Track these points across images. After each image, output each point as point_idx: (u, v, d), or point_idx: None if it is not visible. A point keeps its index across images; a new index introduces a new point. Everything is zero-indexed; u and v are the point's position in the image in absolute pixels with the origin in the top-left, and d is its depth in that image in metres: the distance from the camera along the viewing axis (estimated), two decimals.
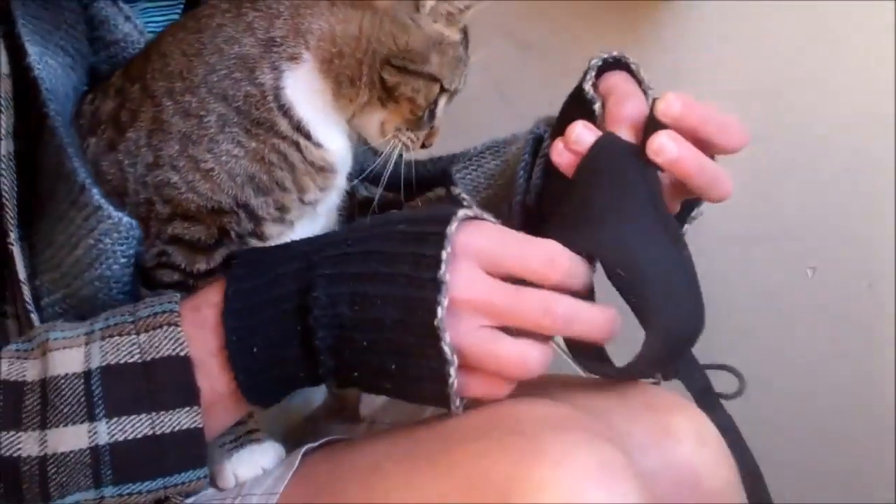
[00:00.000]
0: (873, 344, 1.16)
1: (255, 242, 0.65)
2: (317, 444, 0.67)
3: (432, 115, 0.67)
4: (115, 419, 0.55)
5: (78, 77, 0.66)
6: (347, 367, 0.57)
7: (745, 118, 1.15)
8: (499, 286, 0.56)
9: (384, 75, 0.64)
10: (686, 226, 0.71)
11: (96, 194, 0.60)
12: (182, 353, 0.56)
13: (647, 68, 1.21)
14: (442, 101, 0.68)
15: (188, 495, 0.62)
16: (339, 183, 0.68)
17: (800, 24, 1.09)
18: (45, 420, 0.55)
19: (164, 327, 0.57)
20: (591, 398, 0.66)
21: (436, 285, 0.53)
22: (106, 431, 0.55)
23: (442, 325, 0.53)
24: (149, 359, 0.56)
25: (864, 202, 1.13)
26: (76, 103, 0.66)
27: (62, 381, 0.56)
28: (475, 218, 0.58)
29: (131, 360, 0.56)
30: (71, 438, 0.55)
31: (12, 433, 0.55)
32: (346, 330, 0.56)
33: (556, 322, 0.56)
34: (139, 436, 0.55)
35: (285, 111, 0.63)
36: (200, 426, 0.56)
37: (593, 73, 0.67)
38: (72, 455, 0.55)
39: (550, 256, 0.57)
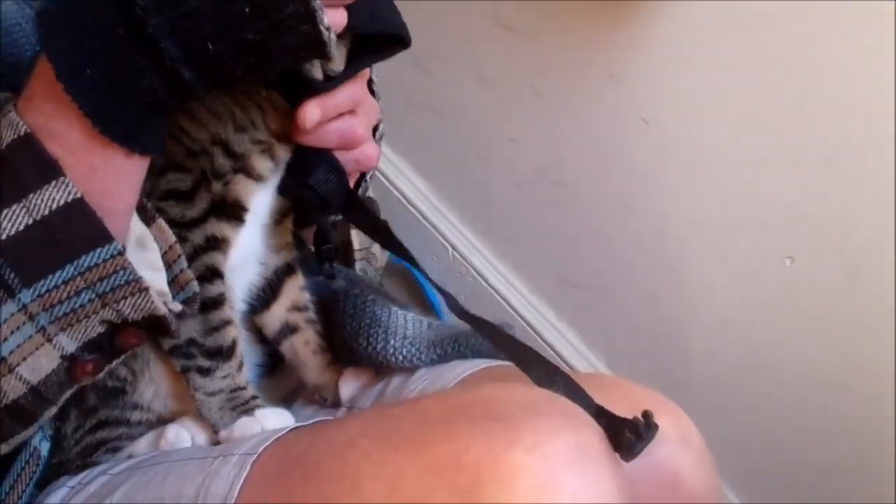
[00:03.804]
0: (851, 333, 1.17)
1: (243, 179, 0.69)
2: (308, 423, 0.67)
3: None
4: None
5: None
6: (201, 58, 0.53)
7: (726, 109, 1.16)
8: None
9: None
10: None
11: None
12: (22, 133, 0.53)
13: (634, 57, 1.22)
14: None
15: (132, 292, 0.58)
16: None
17: (784, 18, 1.09)
18: None
19: (2, 119, 0.54)
20: None
21: None
22: None
23: None
24: None
25: (842, 192, 1.13)
26: None
27: None
28: None
29: None
30: None
31: None
32: (195, 36, 0.52)
33: None
34: (21, 227, 0.53)
35: None
36: (78, 196, 0.53)
37: None
38: None
39: None
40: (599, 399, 0.62)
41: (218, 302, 0.70)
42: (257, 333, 0.81)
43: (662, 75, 1.22)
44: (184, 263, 0.63)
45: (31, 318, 0.55)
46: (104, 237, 0.54)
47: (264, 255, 0.77)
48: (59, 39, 0.53)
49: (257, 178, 0.70)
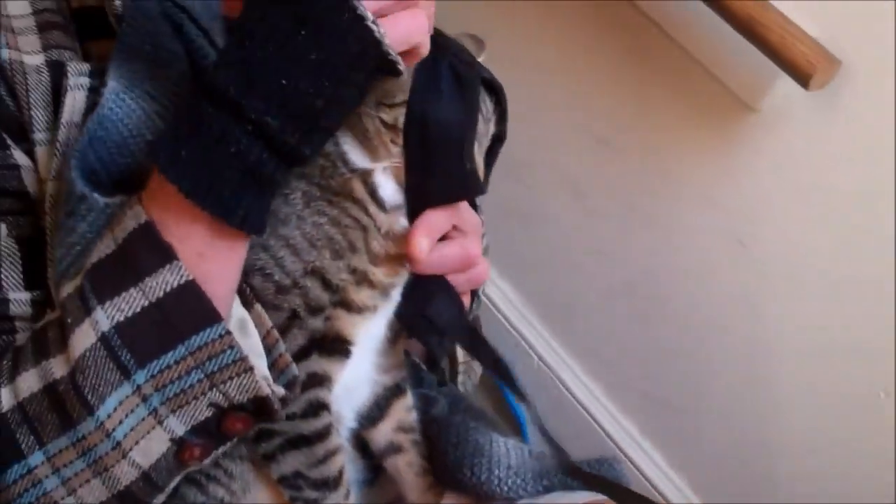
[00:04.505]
0: None
1: (344, 314, 0.69)
2: None
3: None
4: (108, 302, 0.57)
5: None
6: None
7: (825, 234, 1.15)
8: None
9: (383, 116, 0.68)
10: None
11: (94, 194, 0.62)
12: (143, 221, 0.58)
13: (732, 179, 1.21)
14: None
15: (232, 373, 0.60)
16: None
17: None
18: (65, 338, 0.59)
19: (128, 211, 0.59)
20: None
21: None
22: (105, 317, 0.57)
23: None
24: (120, 241, 0.58)
25: None
26: None
27: (67, 302, 0.60)
28: None
29: (109, 252, 0.59)
30: (81, 340, 0.58)
31: (44, 363, 0.60)
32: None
33: None
34: (138, 309, 0.57)
35: (357, 173, 0.68)
36: (190, 278, 0.57)
37: None
38: (88, 354, 0.58)
39: None
40: None
41: (323, 435, 0.70)
42: (361, 449, 0.82)
43: (761, 197, 1.21)
44: (282, 347, 0.65)
45: (145, 399, 0.59)
46: (214, 318, 0.58)
47: (375, 375, 0.77)
48: (162, 136, 0.58)
49: (359, 310, 0.70)
